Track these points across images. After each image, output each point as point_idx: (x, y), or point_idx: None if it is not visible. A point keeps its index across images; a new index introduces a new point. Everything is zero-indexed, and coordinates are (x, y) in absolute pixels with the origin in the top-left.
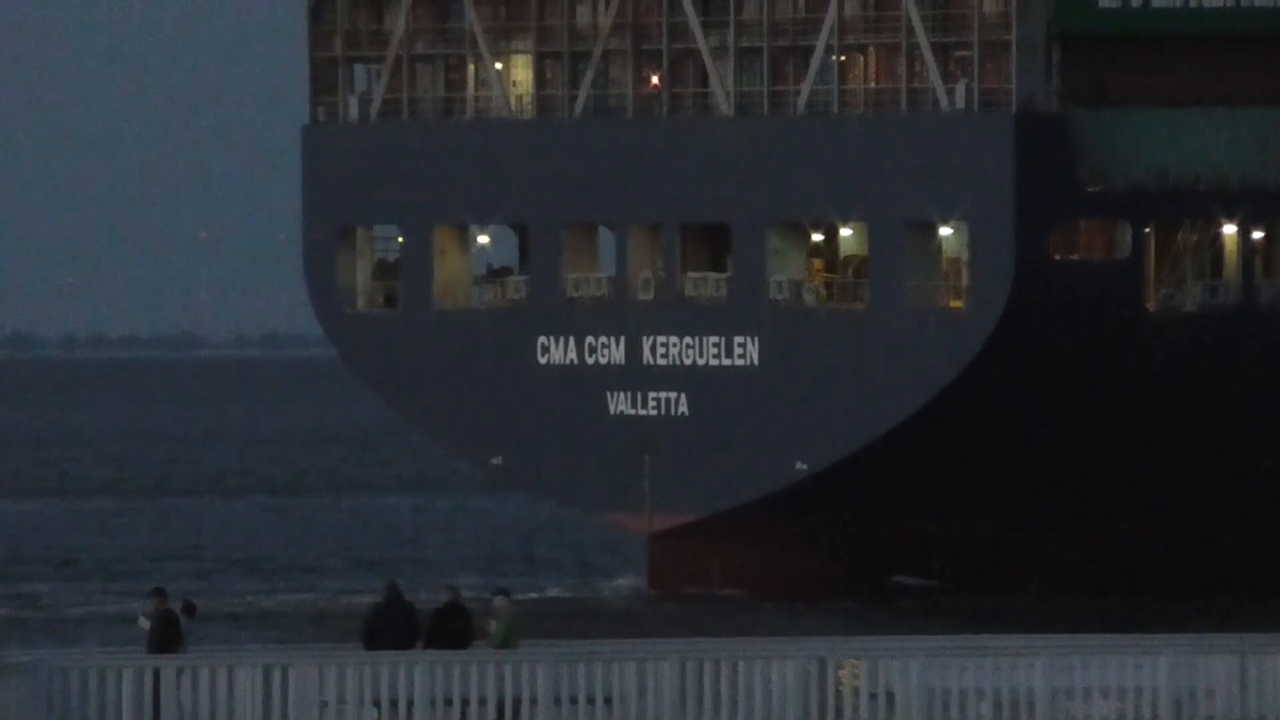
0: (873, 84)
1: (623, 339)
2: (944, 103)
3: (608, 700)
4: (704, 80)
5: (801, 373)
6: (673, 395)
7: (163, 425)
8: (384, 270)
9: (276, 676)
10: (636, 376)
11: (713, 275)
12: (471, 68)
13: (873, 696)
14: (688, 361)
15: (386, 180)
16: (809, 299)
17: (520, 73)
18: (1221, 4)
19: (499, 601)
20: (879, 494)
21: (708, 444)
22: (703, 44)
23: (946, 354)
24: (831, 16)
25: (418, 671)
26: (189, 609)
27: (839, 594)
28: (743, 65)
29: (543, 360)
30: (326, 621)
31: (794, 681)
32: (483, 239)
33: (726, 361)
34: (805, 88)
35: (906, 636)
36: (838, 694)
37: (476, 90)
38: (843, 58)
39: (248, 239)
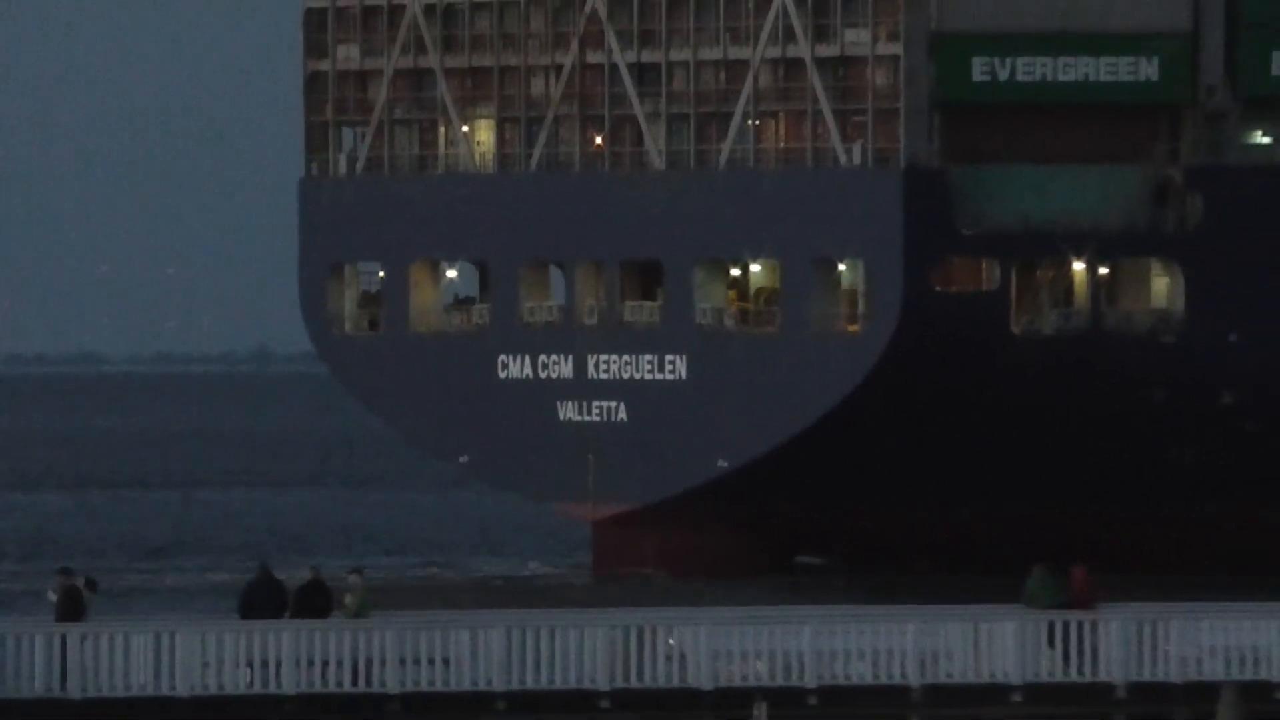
0: (783, 144)
1: (571, 357)
2: (843, 159)
3: (445, 661)
4: (640, 140)
5: (722, 385)
6: (613, 404)
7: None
8: (367, 300)
9: (165, 641)
10: (582, 388)
11: (647, 304)
12: (442, 130)
13: (668, 659)
14: (626, 376)
15: (370, 224)
16: (729, 323)
17: (483, 134)
18: (1073, 79)
19: (354, 579)
20: (787, 487)
21: (643, 445)
22: (639, 110)
23: (845, 370)
24: (748, 87)
25: (285, 637)
26: (90, 584)
27: (752, 572)
28: (672, 128)
29: (503, 375)
30: (211, 596)
31: (602, 646)
32: (451, 273)
33: (659, 376)
34: (726, 147)
35: (699, 608)
36: (640, 657)
37: (446, 149)
38: (757, 121)
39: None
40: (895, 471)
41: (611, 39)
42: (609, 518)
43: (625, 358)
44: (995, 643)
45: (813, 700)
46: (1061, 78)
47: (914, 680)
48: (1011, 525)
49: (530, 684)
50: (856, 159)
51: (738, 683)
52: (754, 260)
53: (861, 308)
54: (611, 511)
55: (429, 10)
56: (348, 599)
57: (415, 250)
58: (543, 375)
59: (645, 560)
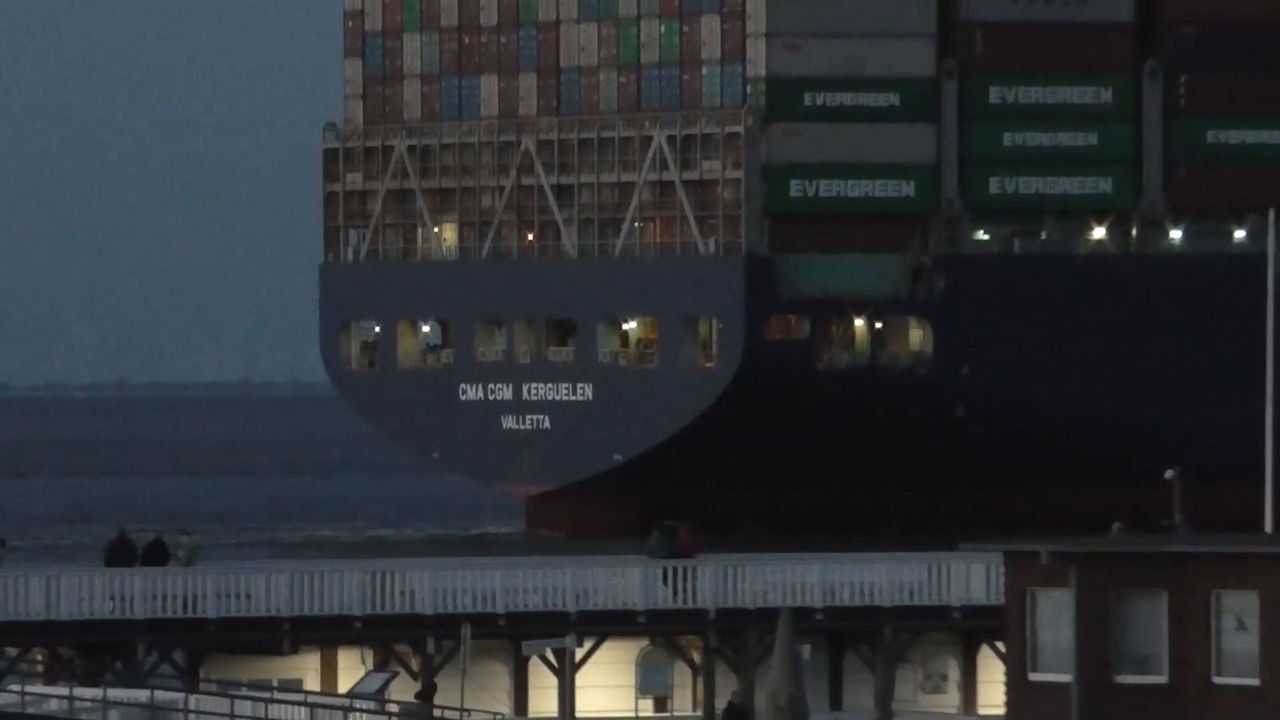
0: (659, 239)
1: (511, 385)
2: (702, 250)
3: (248, 595)
4: (559, 237)
5: (617, 404)
6: (541, 417)
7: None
8: (367, 347)
9: (53, 583)
10: (519, 407)
11: (564, 349)
12: (419, 230)
13: (403, 592)
14: (549, 398)
15: (368, 295)
16: (621, 362)
17: (449, 233)
18: (858, 195)
19: (184, 539)
20: (660, 474)
21: (561, 445)
22: (558, 216)
23: (703, 393)
24: (635, 201)
25: (136, 579)
26: (1, 542)
27: (633, 534)
28: (582, 228)
29: (463, 398)
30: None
31: (357, 583)
32: (425, 328)
33: (572, 398)
34: (619, 241)
35: (427, 558)
36: (384, 591)
37: (422, 243)
38: (640, 224)
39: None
40: (737, 463)
41: (539, 168)
42: (537, 495)
43: (549, 386)
44: (629, 580)
45: (501, 623)
46: (850, 194)
47: (570, 608)
48: (819, 501)
49: (307, 611)
50: (711, 250)
51: (450, 610)
52: (639, 318)
53: (715, 351)
54: (539, 491)
55: (410, 149)
56: (180, 553)
57: (400, 313)
58: (491, 398)
59: (561, 525)
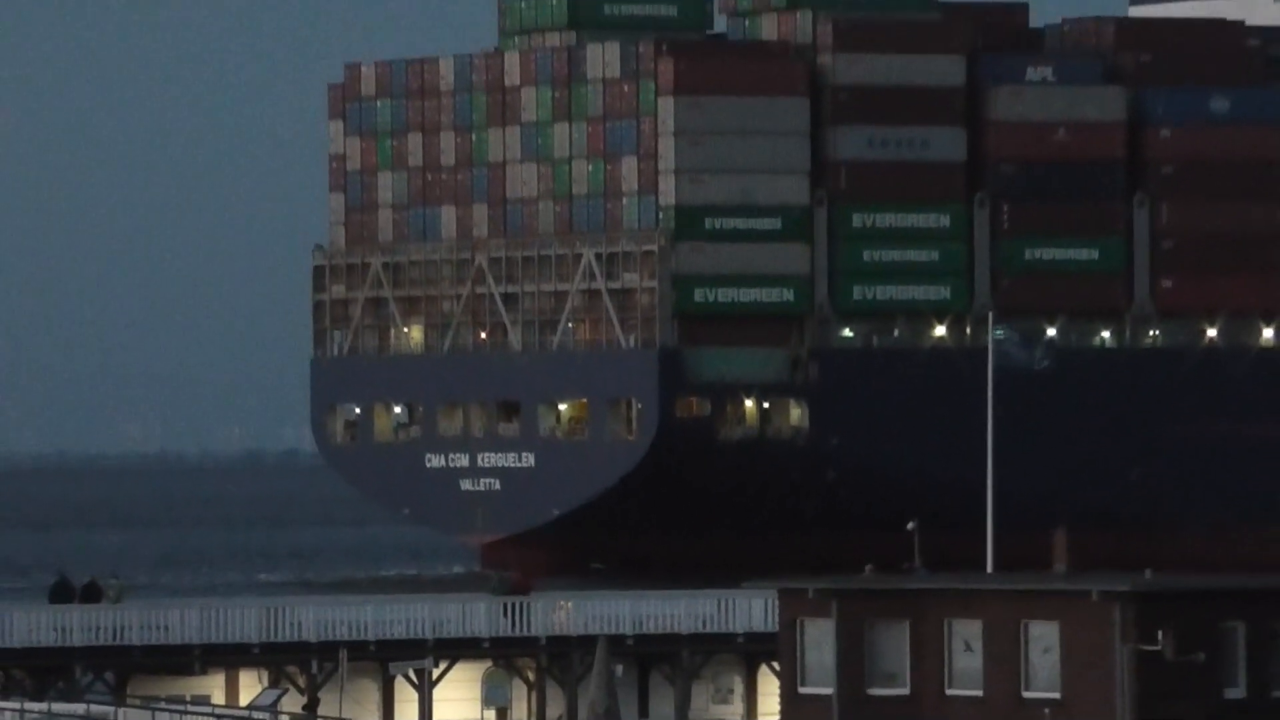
0: (589, 336)
1: (468, 454)
2: (624, 344)
3: (166, 627)
4: (506, 335)
5: (555, 469)
6: (493, 481)
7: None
8: (349, 425)
9: (6, 619)
10: (475, 473)
11: (511, 424)
12: (392, 331)
13: (292, 624)
14: (500, 465)
15: (350, 383)
16: (559, 435)
17: (416, 334)
18: (749, 300)
19: (114, 581)
20: (591, 524)
21: (509, 502)
22: (506, 319)
23: (625, 460)
24: (569, 306)
25: (75, 614)
26: None
27: (567, 573)
28: (525, 328)
29: (429, 466)
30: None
31: (254, 616)
32: (397, 410)
33: (518, 465)
34: (556, 338)
35: (320, 594)
36: (280, 622)
37: (394, 341)
38: (572, 324)
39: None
40: (652, 516)
41: (490, 280)
42: (490, 543)
43: (499, 455)
44: (476, 613)
45: (372, 648)
46: (742, 299)
47: (429, 635)
48: (718, 546)
49: (213, 639)
50: (631, 344)
51: (331, 638)
52: (572, 400)
53: (634, 426)
54: (491, 539)
55: (384, 265)
56: (110, 593)
57: (376, 397)
58: (451, 465)
59: (510, 566)
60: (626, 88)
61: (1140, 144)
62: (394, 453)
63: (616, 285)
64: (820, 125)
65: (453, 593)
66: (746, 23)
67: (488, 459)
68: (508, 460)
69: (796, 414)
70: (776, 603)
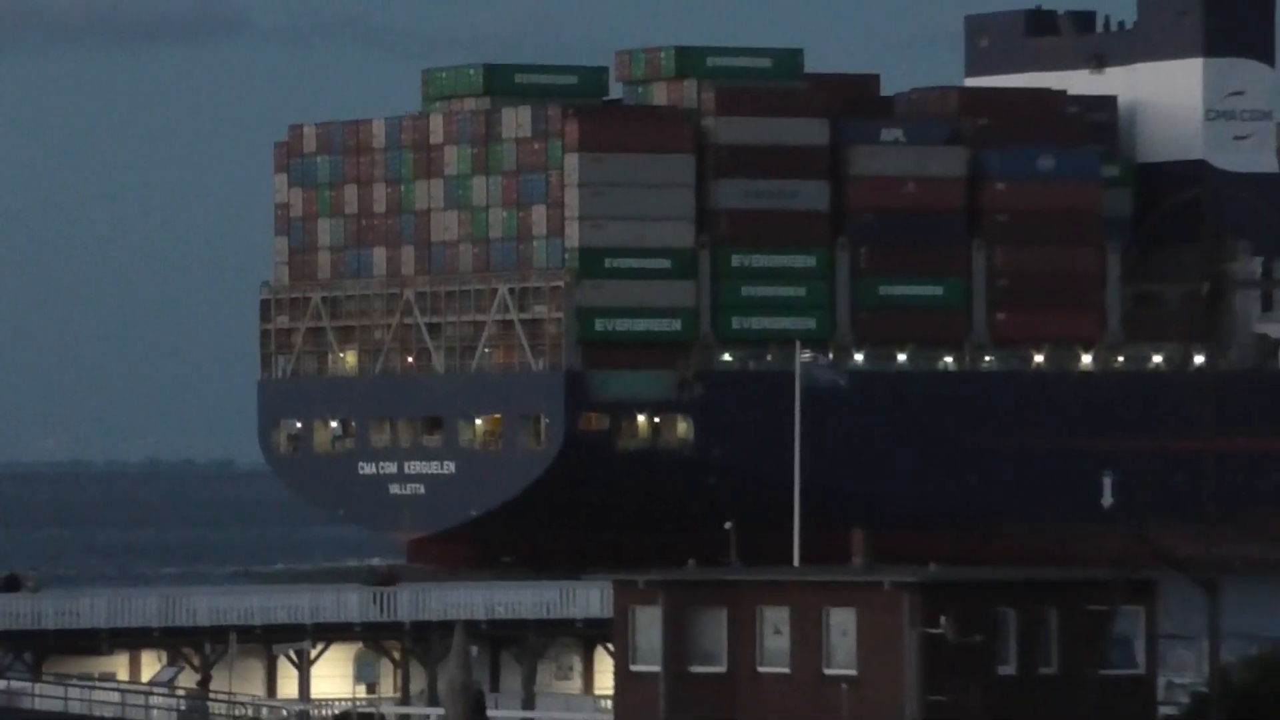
0: (503, 360)
1: (396, 463)
2: (534, 368)
3: (77, 613)
4: (430, 359)
5: (472, 476)
6: (418, 486)
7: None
8: (291, 437)
9: None
10: (403, 479)
11: (435, 437)
12: (329, 356)
13: (188, 610)
14: (425, 472)
15: (292, 401)
16: (476, 445)
17: (350, 358)
18: (624, 330)
19: (32, 573)
20: (504, 524)
21: (432, 505)
22: (430, 345)
23: (534, 467)
24: (485, 333)
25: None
26: None
27: (479, 566)
28: (447, 353)
29: (361, 473)
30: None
31: (155, 606)
32: (334, 424)
33: (441, 471)
34: (475, 362)
35: (215, 584)
36: (177, 610)
37: (331, 365)
38: (489, 350)
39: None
40: (558, 516)
41: (416, 312)
42: (415, 540)
43: (424, 463)
44: (349, 601)
45: (258, 632)
46: (636, 329)
47: (308, 620)
48: (616, 543)
49: (118, 624)
50: (540, 367)
51: (222, 623)
52: (488, 415)
53: (543, 438)
54: (417, 537)
55: (323, 299)
56: (29, 584)
57: (315, 413)
58: (381, 472)
59: (431, 560)
60: (537, 145)
61: (978, 196)
62: (331, 462)
63: (528, 316)
64: (704, 179)
65: (329, 584)
66: (640, 90)
67: (414, 467)
68: (431, 468)
69: (683, 428)
70: (611, 592)
